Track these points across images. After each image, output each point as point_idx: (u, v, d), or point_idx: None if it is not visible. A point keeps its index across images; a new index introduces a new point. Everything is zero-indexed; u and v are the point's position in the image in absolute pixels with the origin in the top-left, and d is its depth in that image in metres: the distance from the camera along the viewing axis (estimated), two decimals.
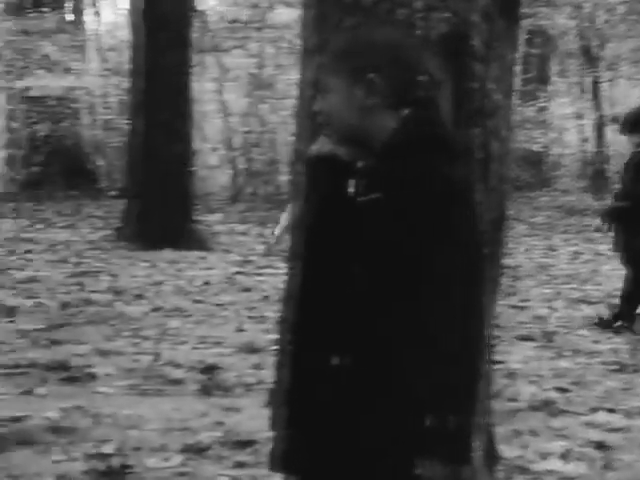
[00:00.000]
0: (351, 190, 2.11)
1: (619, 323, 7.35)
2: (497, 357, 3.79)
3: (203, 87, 21.69)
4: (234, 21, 19.41)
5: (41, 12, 19.55)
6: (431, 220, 2.04)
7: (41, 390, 5.33)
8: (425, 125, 2.16)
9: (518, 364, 6.13)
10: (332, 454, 2.13)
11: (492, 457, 2.92)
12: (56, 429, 4.58)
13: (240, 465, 4.17)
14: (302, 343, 2.23)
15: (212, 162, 22.62)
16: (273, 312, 5.86)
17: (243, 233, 14.61)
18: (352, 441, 2.11)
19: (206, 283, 9.54)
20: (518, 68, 13.23)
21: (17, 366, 5.83)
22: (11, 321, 7.28)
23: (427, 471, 2.04)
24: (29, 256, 11.04)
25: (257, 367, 5.85)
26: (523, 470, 4.13)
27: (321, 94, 2.21)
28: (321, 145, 2.25)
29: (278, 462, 2.41)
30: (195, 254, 11.59)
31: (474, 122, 2.70)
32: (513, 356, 6.30)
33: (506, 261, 3.22)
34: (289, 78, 19.27)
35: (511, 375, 5.76)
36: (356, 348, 2.10)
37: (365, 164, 2.12)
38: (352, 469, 2.12)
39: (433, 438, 2.02)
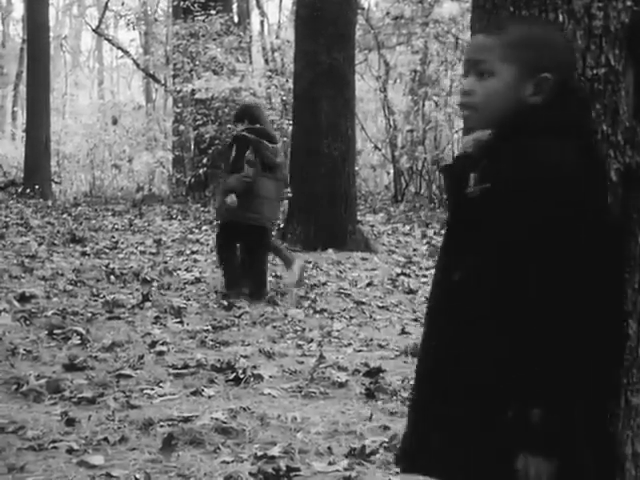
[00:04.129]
0: (470, 185, 2.14)
1: None
2: None
3: (366, 85, 21.74)
4: (397, 17, 19.32)
5: (208, 15, 19.98)
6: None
7: (209, 391, 5.39)
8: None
9: None
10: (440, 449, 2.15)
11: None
12: (224, 430, 4.62)
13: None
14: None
15: (375, 162, 22.65)
16: None
17: (406, 234, 14.52)
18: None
19: (369, 284, 9.51)
20: None
21: (186, 366, 5.93)
22: (179, 322, 7.42)
23: (527, 465, 2.02)
24: (196, 257, 11.25)
25: None
26: None
27: (480, 75, 2.21)
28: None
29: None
30: (358, 255, 11.59)
31: None
32: None
33: None
34: (454, 74, 19.07)
35: None
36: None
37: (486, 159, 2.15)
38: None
39: (530, 431, 2.00)
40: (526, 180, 2.04)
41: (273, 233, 9.77)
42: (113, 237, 13.01)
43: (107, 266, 10.14)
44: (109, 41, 27.84)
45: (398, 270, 10.52)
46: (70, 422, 4.71)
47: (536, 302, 2.00)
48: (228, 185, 8.34)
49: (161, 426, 4.64)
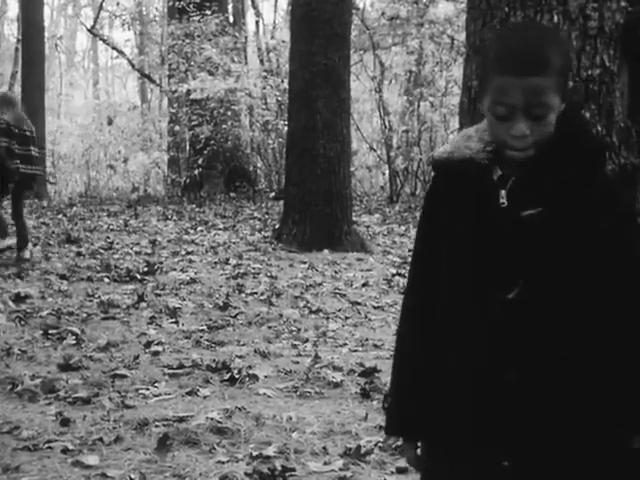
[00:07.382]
0: (503, 201, 2.02)
1: None
2: None
3: (361, 86, 21.73)
4: (393, 18, 19.32)
5: (204, 15, 19.97)
6: (604, 233, 2.00)
7: (204, 391, 5.39)
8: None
9: None
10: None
11: None
12: (219, 430, 4.62)
13: (402, 471, 4.10)
14: None
15: (370, 162, 22.64)
16: None
17: (402, 234, 14.52)
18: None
19: (365, 285, 9.51)
20: None
21: (181, 366, 5.92)
22: (174, 322, 7.41)
23: None
24: (191, 257, 11.25)
25: None
26: None
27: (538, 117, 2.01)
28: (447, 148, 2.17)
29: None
30: (353, 255, 11.59)
31: None
32: None
33: None
34: (450, 75, 19.07)
35: None
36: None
37: (520, 175, 2.03)
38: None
39: None
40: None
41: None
42: (108, 238, 12.99)
43: (102, 266, 10.12)
44: (104, 41, 27.78)
45: (393, 270, 10.52)
46: (65, 422, 4.71)
47: None
48: None
49: (156, 426, 4.64)
